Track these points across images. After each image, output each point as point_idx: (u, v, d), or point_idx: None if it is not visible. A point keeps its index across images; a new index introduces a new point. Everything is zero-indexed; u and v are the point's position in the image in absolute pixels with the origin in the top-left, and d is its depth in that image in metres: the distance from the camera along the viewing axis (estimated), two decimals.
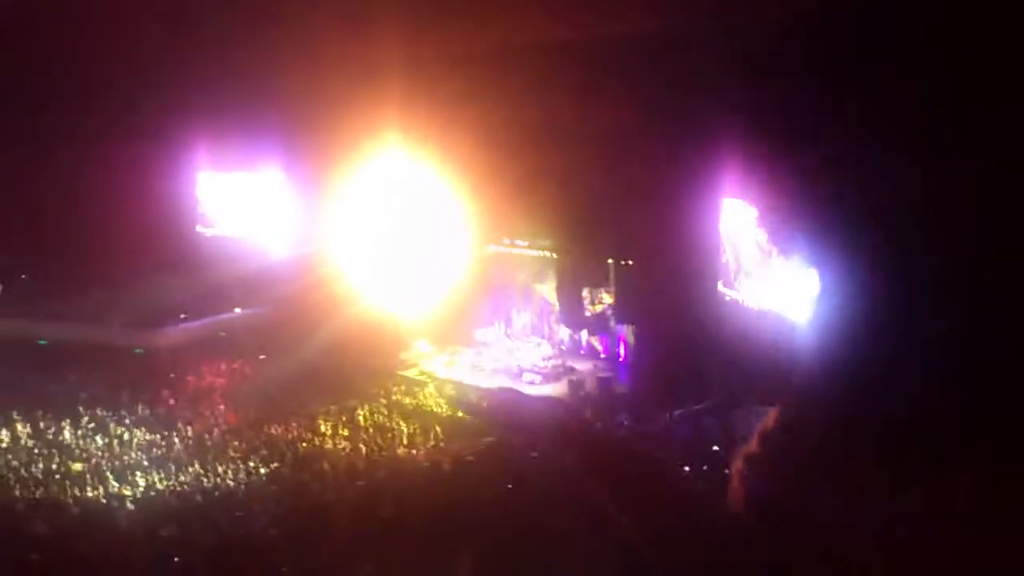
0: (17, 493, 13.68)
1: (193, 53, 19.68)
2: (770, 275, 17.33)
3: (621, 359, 21.59)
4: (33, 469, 14.93)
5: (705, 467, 13.41)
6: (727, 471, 2.35)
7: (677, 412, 17.51)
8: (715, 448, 15.05)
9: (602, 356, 22.09)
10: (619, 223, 19.47)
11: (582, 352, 22.57)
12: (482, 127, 18.67)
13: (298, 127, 21.70)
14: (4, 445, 15.91)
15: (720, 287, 18.71)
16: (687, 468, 13.13)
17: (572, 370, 21.30)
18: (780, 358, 16.26)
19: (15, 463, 15.05)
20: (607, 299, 21.64)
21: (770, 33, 14.73)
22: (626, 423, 17.83)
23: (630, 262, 20.03)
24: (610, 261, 20.48)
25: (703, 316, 18.16)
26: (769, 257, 17.33)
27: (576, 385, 19.96)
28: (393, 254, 22.32)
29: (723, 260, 18.66)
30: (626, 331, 21.37)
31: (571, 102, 17.02)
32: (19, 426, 16.57)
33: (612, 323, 21.61)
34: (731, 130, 16.16)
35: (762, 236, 17.33)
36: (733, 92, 15.91)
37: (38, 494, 13.75)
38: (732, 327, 17.87)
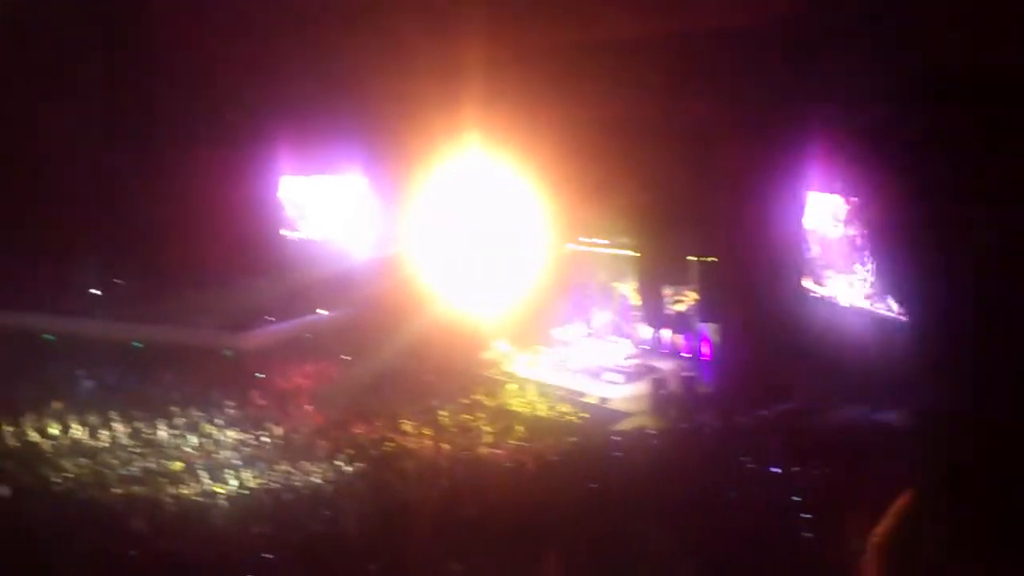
0: (116, 491, 14.09)
1: (276, 59, 20.08)
2: (858, 271, 16.91)
3: (704, 358, 21.32)
4: (130, 467, 15.38)
5: (795, 469, 13.16)
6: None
7: (764, 412, 17.20)
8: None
9: (684, 355, 21.85)
10: (702, 219, 19.23)
11: (664, 351, 22.35)
12: (562, 125, 18.62)
13: (379, 129, 21.96)
14: (103, 444, 16.41)
15: (807, 283, 18.33)
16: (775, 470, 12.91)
17: (654, 369, 21.10)
18: (870, 356, 15.88)
19: (113, 461, 15.52)
20: (689, 297, 21.38)
21: (854, 26, 14.43)
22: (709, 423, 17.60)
23: (713, 259, 19.75)
24: (692, 258, 20.22)
25: (789, 313, 17.81)
26: (857, 252, 16.91)
27: (658, 384, 19.76)
28: (473, 254, 22.41)
29: (809, 255, 18.27)
30: (709, 329, 21.09)
31: (652, 98, 16.88)
32: (117, 425, 17.08)
33: (695, 321, 21.34)
34: (816, 123, 15.88)
35: (851, 231, 16.92)
36: (816, 85, 15.62)
37: (135, 491, 14.15)
38: (819, 324, 17.49)
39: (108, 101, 21.65)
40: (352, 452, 16.53)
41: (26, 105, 21.80)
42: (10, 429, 16.15)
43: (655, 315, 22.04)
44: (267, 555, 11.32)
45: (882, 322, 16.01)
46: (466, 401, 19.87)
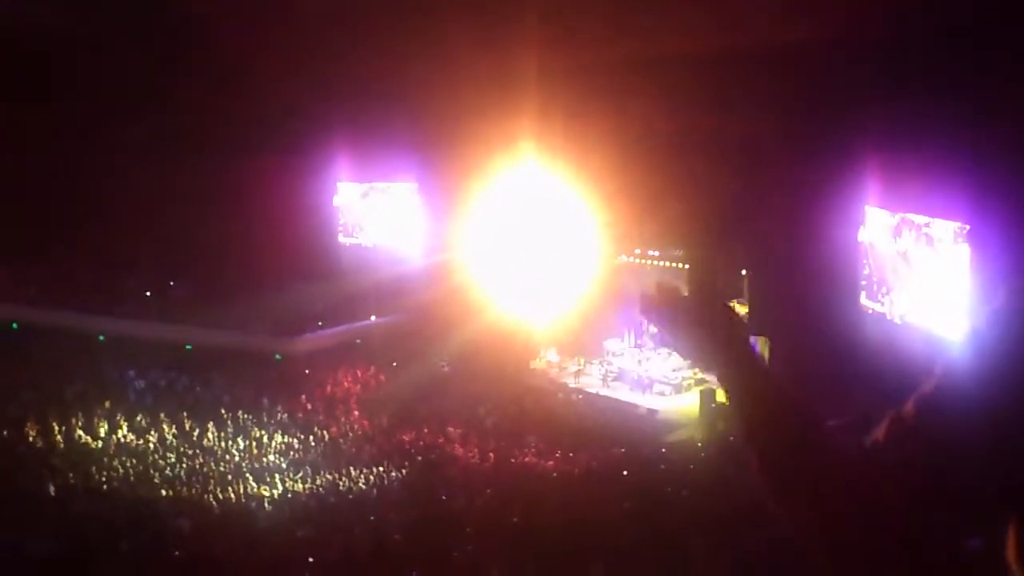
0: (162, 491, 14.22)
1: (332, 69, 20.28)
2: (915, 287, 16.53)
3: None
4: (177, 468, 15.52)
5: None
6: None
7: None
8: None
9: None
10: (754, 232, 18.99)
11: None
12: (616, 137, 18.54)
13: (433, 138, 22.07)
14: (151, 444, 16.58)
15: (862, 299, 17.97)
16: None
17: (703, 382, 20.85)
18: (925, 374, 15.52)
19: (161, 462, 15.67)
20: (740, 310, 21.08)
21: (911, 42, 14.17)
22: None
23: (764, 271, 19.47)
24: (744, 271, 19.96)
25: (842, 329, 17.48)
26: (913, 268, 16.56)
27: (707, 397, 19.51)
28: (525, 264, 22.38)
29: (864, 271, 17.93)
30: (759, 343, 20.78)
31: (706, 112, 16.73)
32: (165, 426, 17.26)
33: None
34: (873, 137, 15.59)
35: (906, 247, 16.58)
36: (873, 100, 15.35)
37: (182, 492, 14.28)
38: (873, 341, 17.14)
39: (167, 111, 22.04)
40: (398, 458, 16.56)
41: (88, 116, 22.30)
42: (60, 427, 16.40)
43: None
44: (310, 559, 11.37)
45: (936, 340, 15.64)
46: (513, 410, 19.82)
